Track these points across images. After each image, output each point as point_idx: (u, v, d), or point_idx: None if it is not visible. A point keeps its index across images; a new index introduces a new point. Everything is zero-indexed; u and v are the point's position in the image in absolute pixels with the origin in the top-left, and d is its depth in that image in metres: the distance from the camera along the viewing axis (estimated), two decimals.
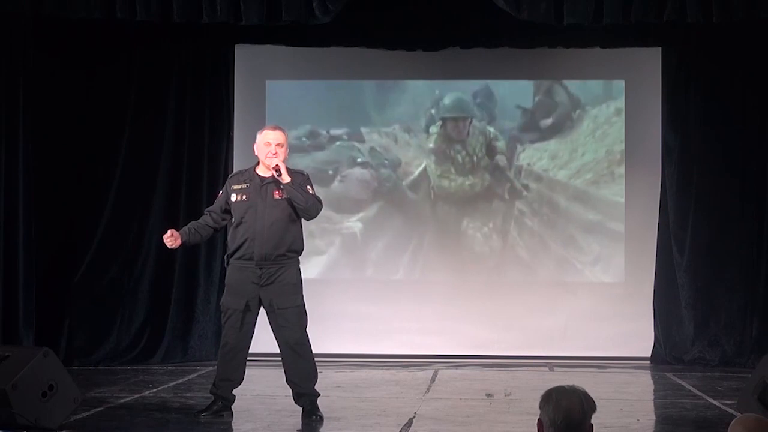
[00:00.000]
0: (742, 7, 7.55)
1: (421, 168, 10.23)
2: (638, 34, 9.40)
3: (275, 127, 6.81)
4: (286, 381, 6.74)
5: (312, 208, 6.62)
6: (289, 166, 6.72)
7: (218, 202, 6.86)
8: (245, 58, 10.09)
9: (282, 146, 6.65)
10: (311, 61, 10.10)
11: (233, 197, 6.72)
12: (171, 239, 6.69)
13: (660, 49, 9.77)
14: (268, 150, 6.63)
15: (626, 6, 7.57)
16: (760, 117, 9.43)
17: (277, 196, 6.62)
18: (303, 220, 6.70)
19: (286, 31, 9.41)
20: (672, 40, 9.64)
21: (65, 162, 9.25)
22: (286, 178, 6.55)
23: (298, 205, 6.57)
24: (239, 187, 6.73)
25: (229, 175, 7.23)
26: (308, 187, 6.66)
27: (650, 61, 9.83)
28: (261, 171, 6.71)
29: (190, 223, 6.91)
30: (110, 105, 9.46)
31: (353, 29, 9.45)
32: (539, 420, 3.26)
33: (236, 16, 7.72)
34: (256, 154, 6.75)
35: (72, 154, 9.29)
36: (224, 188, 6.88)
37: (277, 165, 6.56)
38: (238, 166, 9.37)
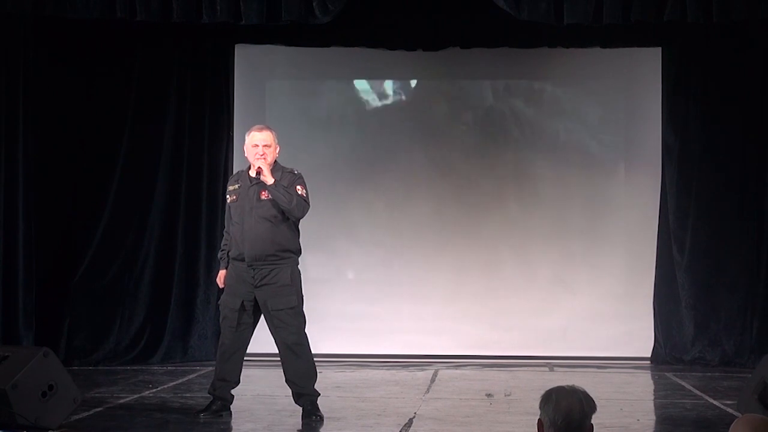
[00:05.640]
0: (742, 7, 7.54)
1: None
2: (638, 34, 9.39)
3: (262, 128, 6.79)
4: (286, 381, 6.74)
5: (296, 208, 6.57)
6: (285, 165, 6.76)
7: (226, 210, 6.91)
8: (245, 58, 10.08)
9: (270, 147, 6.65)
10: (311, 61, 10.10)
11: (227, 198, 6.80)
12: (220, 281, 6.87)
13: (660, 49, 9.77)
14: (255, 152, 6.64)
15: (626, 6, 7.56)
16: (760, 117, 9.42)
17: (263, 197, 6.62)
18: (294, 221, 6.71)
19: (286, 31, 9.41)
20: (672, 40, 9.64)
21: (65, 162, 9.25)
22: (269, 180, 6.55)
23: (282, 205, 6.55)
24: (232, 188, 6.79)
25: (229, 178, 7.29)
26: (298, 186, 6.61)
27: (650, 61, 9.82)
28: (252, 172, 6.73)
29: (221, 251, 6.94)
30: (110, 105, 9.46)
31: (353, 29, 9.45)
32: (539, 420, 3.26)
33: (236, 16, 7.72)
34: (245, 155, 6.77)
35: (72, 154, 9.29)
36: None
37: (259, 167, 6.58)
38: (237, 166, 9.37)
